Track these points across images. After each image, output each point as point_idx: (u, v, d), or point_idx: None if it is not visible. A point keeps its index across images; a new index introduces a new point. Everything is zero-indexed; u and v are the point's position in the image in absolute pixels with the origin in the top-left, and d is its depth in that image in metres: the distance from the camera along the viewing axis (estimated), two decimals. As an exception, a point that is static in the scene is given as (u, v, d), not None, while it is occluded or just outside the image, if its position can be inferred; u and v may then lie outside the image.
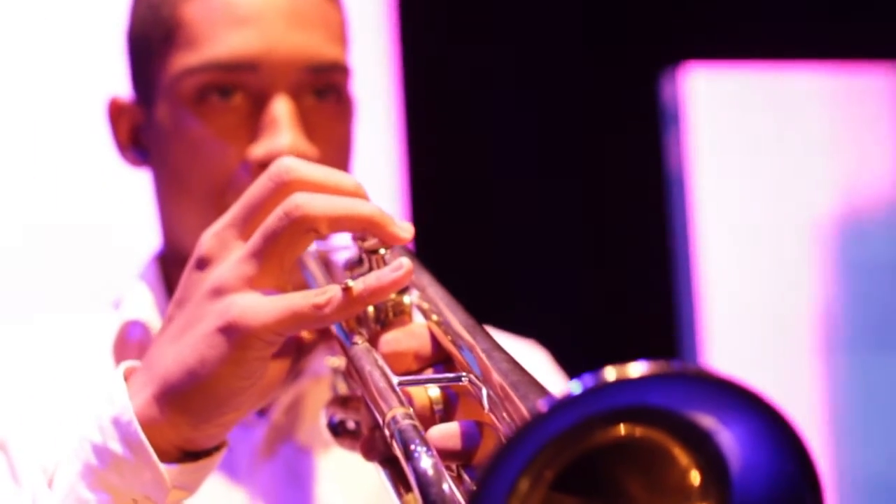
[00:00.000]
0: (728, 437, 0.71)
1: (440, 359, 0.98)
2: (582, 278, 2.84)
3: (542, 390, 0.79)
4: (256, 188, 1.00)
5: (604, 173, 2.87)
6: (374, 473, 1.28)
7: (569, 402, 0.68)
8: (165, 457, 0.98)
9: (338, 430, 1.11)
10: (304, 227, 0.97)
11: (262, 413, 1.30)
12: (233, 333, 0.95)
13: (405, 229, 1.02)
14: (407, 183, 2.70)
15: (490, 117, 2.82)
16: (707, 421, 0.71)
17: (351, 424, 1.10)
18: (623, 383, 0.68)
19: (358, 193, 1.01)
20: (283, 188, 0.99)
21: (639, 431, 0.74)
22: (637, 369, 0.68)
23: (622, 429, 0.74)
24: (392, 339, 0.99)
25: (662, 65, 3.00)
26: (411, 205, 2.69)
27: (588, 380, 0.68)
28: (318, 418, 1.28)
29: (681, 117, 3.01)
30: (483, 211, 2.80)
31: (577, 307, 2.81)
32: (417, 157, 2.71)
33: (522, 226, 2.81)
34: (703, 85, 3.06)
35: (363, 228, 1.02)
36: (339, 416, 1.11)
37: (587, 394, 0.68)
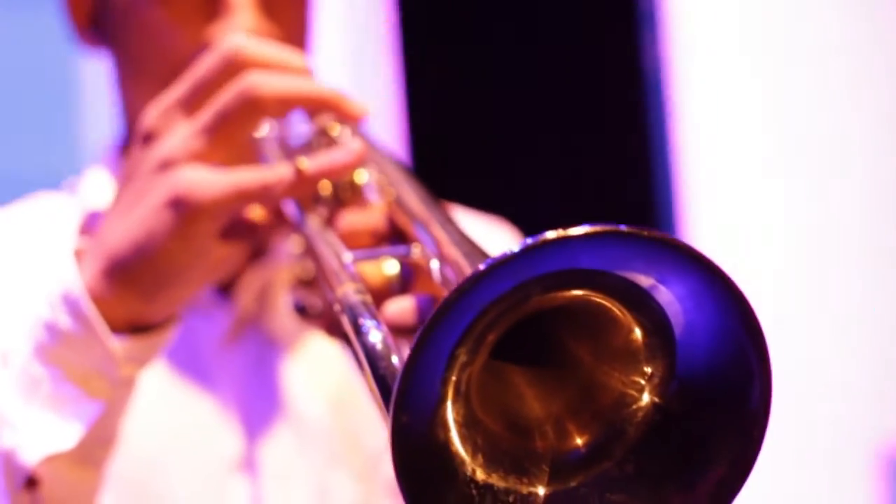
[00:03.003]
0: (667, 296, 0.71)
1: (396, 236, 0.97)
2: (562, 174, 2.82)
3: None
4: (204, 65, 1.00)
5: (582, 71, 2.84)
6: (341, 364, 1.29)
7: (507, 261, 0.67)
8: (116, 331, 0.98)
9: (304, 311, 1.11)
10: (256, 107, 0.98)
11: (228, 298, 1.30)
12: (180, 206, 0.96)
13: (360, 107, 1.03)
14: (399, 68, 2.68)
15: (472, 20, 2.79)
16: (645, 280, 0.71)
17: (317, 305, 1.11)
18: (561, 243, 0.67)
19: (305, 72, 1.01)
20: (231, 66, 0.99)
21: (581, 296, 0.73)
22: (576, 230, 0.67)
23: (565, 295, 0.74)
24: (348, 218, 0.99)
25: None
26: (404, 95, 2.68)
27: (528, 241, 0.67)
28: (287, 304, 1.28)
29: (659, 15, 2.96)
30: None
31: (558, 198, 2.80)
32: (407, 26, 2.68)
33: (502, 119, 2.79)
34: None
35: (318, 108, 1.03)
36: (304, 297, 1.11)
37: (525, 253, 0.67)
